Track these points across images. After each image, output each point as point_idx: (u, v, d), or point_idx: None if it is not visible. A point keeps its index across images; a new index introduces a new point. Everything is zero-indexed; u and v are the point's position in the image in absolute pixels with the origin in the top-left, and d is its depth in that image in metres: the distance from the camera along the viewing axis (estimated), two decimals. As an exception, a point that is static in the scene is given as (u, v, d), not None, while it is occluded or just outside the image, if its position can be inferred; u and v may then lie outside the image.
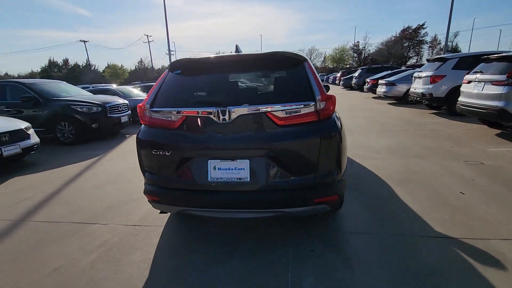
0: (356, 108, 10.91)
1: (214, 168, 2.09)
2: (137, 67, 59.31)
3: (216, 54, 2.31)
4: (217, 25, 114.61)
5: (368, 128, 7.01)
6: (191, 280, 2.02)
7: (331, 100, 2.07)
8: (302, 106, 1.99)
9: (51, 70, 55.75)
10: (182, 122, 2.10)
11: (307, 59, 2.22)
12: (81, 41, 51.03)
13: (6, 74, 58.01)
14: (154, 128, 2.22)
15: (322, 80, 2.23)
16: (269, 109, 1.97)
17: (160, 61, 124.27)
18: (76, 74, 52.10)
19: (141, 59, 61.64)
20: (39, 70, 55.18)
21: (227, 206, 2.11)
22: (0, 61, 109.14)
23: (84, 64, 54.73)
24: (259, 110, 1.98)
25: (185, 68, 2.26)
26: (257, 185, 2.05)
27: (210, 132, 2.05)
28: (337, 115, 2.30)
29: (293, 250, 2.31)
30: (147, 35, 53.48)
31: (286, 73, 2.20)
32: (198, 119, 2.06)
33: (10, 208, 3.37)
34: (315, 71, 2.17)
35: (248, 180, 2.05)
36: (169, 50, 28.50)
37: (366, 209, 2.91)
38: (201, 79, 2.26)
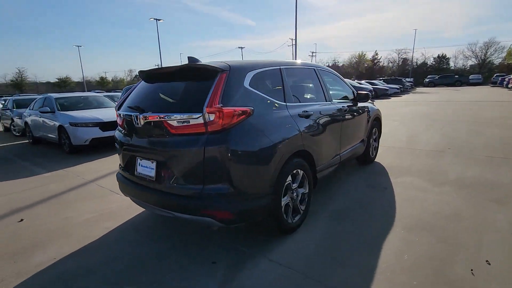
0: (498, 121, 8.07)
1: (139, 164, 2.44)
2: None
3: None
4: (374, 21, 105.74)
5: (476, 151, 5.21)
6: (106, 249, 2.49)
7: (221, 113, 1.98)
8: (189, 116, 2.03)
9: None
10: (122, 123, 2.56)
11: (226, 71, 2.17)
12: (239, 47, 60.35)
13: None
14: (118, 126, 2.79)
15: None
16: (165, 118, 2.13)
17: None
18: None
19: (286, 61, 66.72)
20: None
21: (143, 199, 2.43)
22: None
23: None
24: (157, 118, 2.17)
25: (144, 77, 2.69)
26: (159, 185, 2.26)
27: (134, 133, 2.42)
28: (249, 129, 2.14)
29: (201, 257, 2.35)
30: (291, 39, 57.05)
31: (196, 84, 2.23)
32: (126, 122, 2.46)
33: (94, 173, 4.89)
34: (225, 83, 2.10)
35: (154, 179, 2.28)
36: (295, 52, 29.35)
37: (320, 246, 2.45)
38: (146, 87, 2.62)
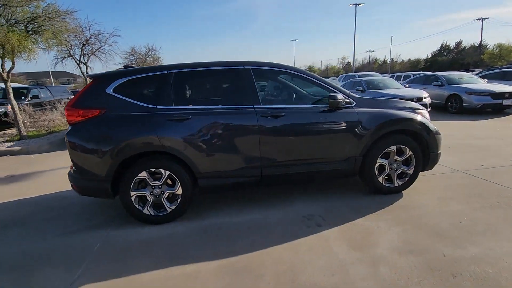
0: None
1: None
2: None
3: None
4: None
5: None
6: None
7: (67, 112, 2.71)
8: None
9: (441, 55, 56.62)
10: None
11: (94, 79, 2.80)
12: (478, 19, 46.23)
13: (409, 60, 67.05)
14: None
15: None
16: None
17: None
18: (459, 57, 49.29)
19: None
20: (430, 55, 57.99)
21: None
22: (410, 48, 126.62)
23: (473, 45, 49.74)
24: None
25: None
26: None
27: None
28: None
29: (98, 213, 3.25)
30: None
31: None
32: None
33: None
34: (87, 88, 2.77)
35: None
36: None
37: (121, 251, 2.59)
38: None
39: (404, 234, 2.49)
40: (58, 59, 13.87)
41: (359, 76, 15.25)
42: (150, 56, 28.57)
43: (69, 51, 13.65)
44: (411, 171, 3.30)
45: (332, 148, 3.08)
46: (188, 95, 3.03)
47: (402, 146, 3.21)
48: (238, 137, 2.88)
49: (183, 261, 2.30)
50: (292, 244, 2.46)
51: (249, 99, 2.95)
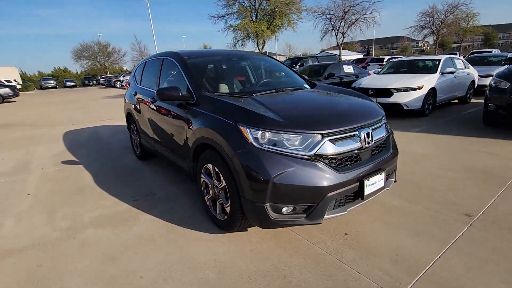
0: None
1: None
2: None
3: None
4: None
5: None
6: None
7: (126, 83, 4.94)
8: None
9: None
10: None
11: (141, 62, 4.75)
12: None
13: None
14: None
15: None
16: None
17: None
18: None
19: None
20: None
21: None
22: None
23: None
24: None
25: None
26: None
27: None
28: None
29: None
30: None
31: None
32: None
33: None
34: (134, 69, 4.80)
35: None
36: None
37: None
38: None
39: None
40: (326, 32, 16.16)
41: None
42: (452, 14, 22.02)
43: (332, 25, 15.34)
44: (228, 209, 2.27)
45: (173, 143, 3.00)
46: (144, 78, 4.11)
47: (216, 169, 2.29)
48: (147, 112, 3.70)
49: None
50: (97, 204, 3.20)
51: (156, 83, 3.56)
